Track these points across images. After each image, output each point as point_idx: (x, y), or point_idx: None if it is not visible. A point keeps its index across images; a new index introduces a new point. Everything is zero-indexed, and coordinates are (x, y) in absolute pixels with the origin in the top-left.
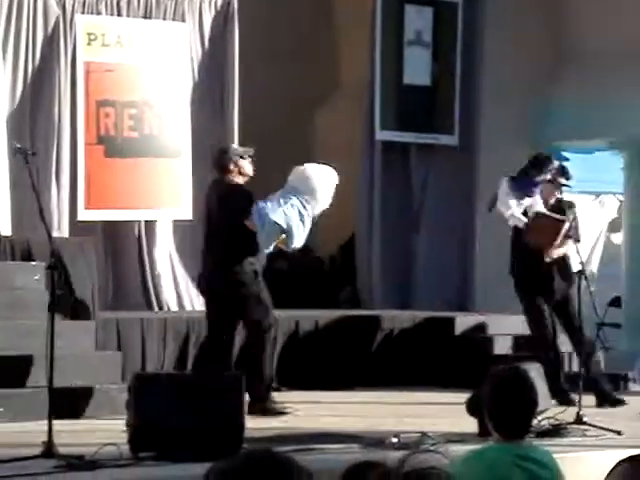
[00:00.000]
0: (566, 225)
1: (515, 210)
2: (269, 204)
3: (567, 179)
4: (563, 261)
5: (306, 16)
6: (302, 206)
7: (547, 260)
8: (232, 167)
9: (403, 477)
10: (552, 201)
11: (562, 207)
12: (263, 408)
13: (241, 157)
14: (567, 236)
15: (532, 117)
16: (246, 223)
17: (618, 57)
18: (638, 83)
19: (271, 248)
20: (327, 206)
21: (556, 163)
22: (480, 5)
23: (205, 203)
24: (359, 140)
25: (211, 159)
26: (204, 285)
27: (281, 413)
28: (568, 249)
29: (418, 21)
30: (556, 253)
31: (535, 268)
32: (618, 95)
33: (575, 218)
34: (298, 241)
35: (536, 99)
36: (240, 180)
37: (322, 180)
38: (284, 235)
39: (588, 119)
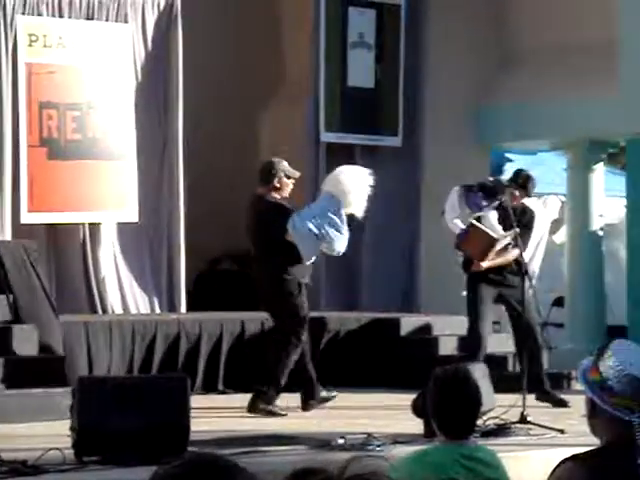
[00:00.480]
0: (502, 242)
1: (451, 217)
2: (301, 215)
3: (528, 195)
4: (516, 262)
5: (250, 17)
6: (334, 212)
7: (475, 270)
8: (276, 184)
9: None
10: (515, 202)
11: (521, 212)
12: (268, 410)
13: (287, 176)
14: (515, 245)
15: (475, 118)
16: (287, 238)
17: (560, 56)
18: (581, 83)
19: (313, 258)
20: (363, 206)
21: (520, 178)
22: (422, 7)
23: (245, 218)
24: (304, 141)
25: (259, 171)
26: (261, 298)
27: (279, 414)
28: (510, 258)
29: (361, 23)
30: (488, 265)
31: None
32: (561, 96)
33: (528, 226)
34: (339, 245)
35: (479, 100)
36: (278, 196)
37: (353, 182)
38: (324, 243)
39: (531, 120)
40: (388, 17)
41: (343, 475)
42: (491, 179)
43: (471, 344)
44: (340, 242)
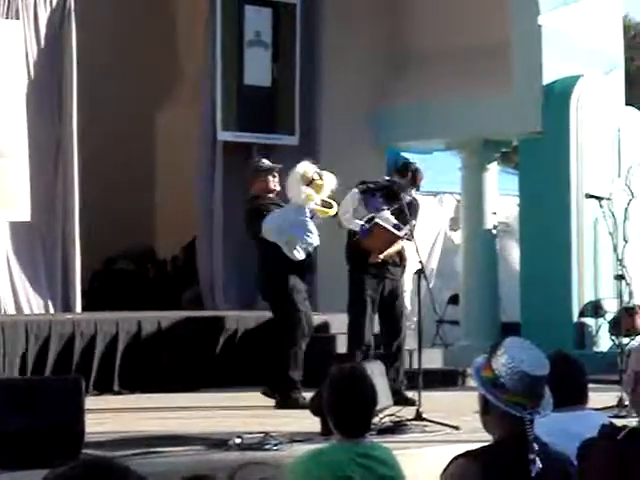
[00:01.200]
0: (401, 241)
1: (349, 216)
2: (271, 215)
3: (417, 188)
4: (397, 254)
5: (146, 14)
6: (297, 207)
7: (372, 261)
8: (258, 184)
9: None
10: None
11: (408, 205)
12: (291, 403)
13: (267, 173)
14: (409, 238)
15: (372, 118)
16: (265, 237)
17: (454, 58)
18: (475, 84)
19: (298, 255)
20: (325, 196)
21: (413, 167)
22: (318, 7)
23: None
24: (200, 140)
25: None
26: (263, 297)
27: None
28: (399, 248)
29: (258, 21)
30: (382, 256)
31: (367, 259)
32: (455, 96)
33: (414, 221)
34: (309, 239)
35: (376, 101)
36: (266, 195)
37: (295, 175)
38: (308, 238)
39: (426, 120)
40: (284, 16)
41: None
42: (387, 179)
43: (353, 342)
44: (309, 237)
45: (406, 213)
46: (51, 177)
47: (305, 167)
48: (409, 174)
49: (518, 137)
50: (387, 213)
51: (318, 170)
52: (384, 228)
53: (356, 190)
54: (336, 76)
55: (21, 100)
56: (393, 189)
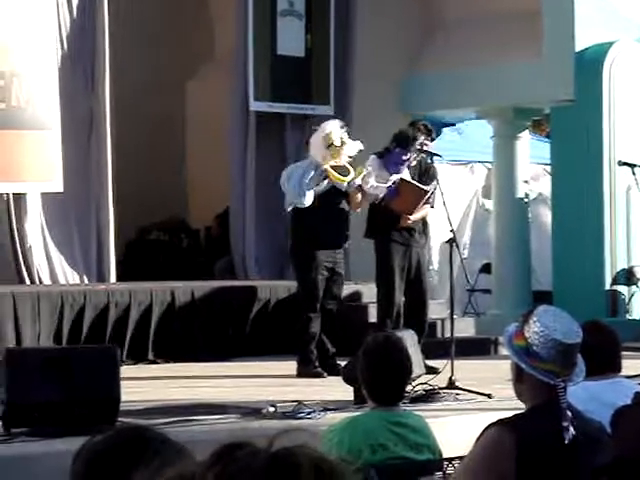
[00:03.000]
0: (428, 194)
1: (372, 181)
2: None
3: (432, 139)
4: (422, 222)
5: None
6: (308, 163)
7: (403, 225)
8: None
9: (271, 457)
10: (414, 163)
11: (424, 169)
12: (305, 372)
13: (328, 145)
14: (425, 202)
15: (402, 86)
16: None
17: (485, 25)
18: (505, 52)
19: (305, 200)
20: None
21: (421, 126)
22: None
23: None
24: (233, 111)
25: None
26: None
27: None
28: (425, 214)
29: None
30: (413, 218)
31: (393, 225)
32: (485, 64)
33: (435, 184)
34: (297, 198)
35: (406, 68)
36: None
37: (320, 133)
38: (298, 195)
39: (456, 88)
40: None
41: (271, 448)
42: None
43: (384, 311)
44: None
45: (423, 170)
46: (84, 148)
47: (331, 128)
48: (420, 128)
49: (550, 105)
50: (406, 174)
51: (343, 135)
52: (410, 183)
53: (373, 156)
54: (367, 44)
55: (54, 72)
56: (404, 134)
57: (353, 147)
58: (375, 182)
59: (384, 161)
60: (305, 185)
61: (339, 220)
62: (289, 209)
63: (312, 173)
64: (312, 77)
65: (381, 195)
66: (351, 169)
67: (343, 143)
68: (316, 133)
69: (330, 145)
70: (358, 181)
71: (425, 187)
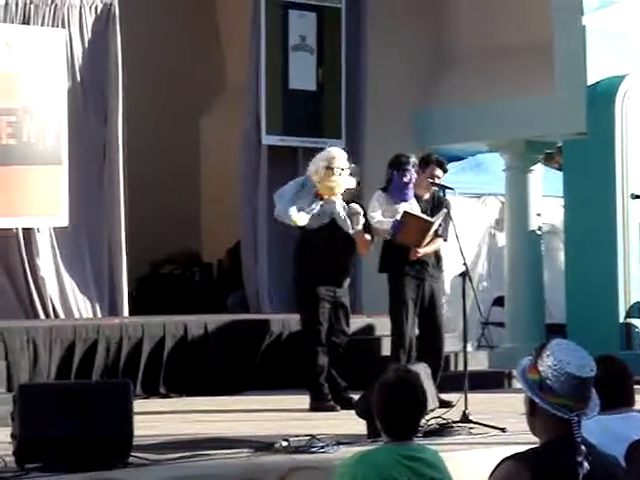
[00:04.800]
0: (435, 225)
1: (378, 217)
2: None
3: (444, 171)
4: (435, 256)
5: (191, 20)
6: (299, 180)
7: (413, 258)
8: (311, 175)
9: None
10: (426, 197)
11: (437, 203)
12: (318, 406)
13: (327, 167)
14: (436, 235)
15: (415, 120)
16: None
17: (497, 58)
18: (517, 85)
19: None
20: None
21: (433, 157)
22: (362, 10)
23: None
24: (245, 144)
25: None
26: None
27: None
28: (438, 247)
29: (302, 26)
30: (422, 252)
31: (406, 259)
32: (498, 97)
33: (447, 216)
34: (285, 213)
35: (418, 101)
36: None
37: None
38: (286, 210)
39: (469, 121)
40: (329, 20)
41: None
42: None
43: (397, 345)
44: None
45: (438, 199)
46: (97, 181)
47: (338, 154)
48: (433, 159)
49: (562, 138)
50: (416, 207)
51: (344, 165)
52: (414, 215)
53: (378, 191)
54: (380, 78)
55: (63, 108)
56: (395, 157)
57: (348, 181)
58: (381, 217)
59: (389, 192)
60: (291, 200)
61: (340, 258)
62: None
63: (303, 188)
64: (324, 111)
65: (387, 228)
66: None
67: (342, 171)
68: (321, 153)
69: (330, 167)
70: (360, 226)
71: (430, 218)
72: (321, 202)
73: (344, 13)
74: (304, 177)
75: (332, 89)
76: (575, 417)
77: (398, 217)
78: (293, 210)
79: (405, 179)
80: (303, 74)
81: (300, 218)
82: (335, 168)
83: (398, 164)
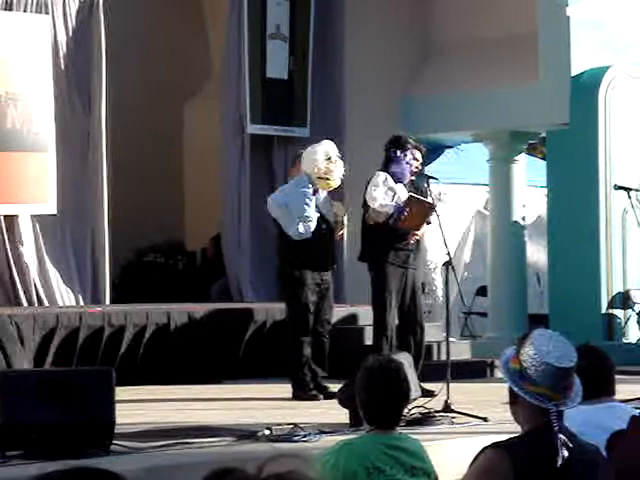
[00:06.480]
0: (434, 208)
1: (381, 200)
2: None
3: (423, 156)
4: (417, 242)
5: (176, 6)
6: (298, 179)
7: (412, 241)
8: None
9: None
10: (405, 182)
11: (418, 190)
12: (300, 395)
13: (327, 158)
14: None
15: (398, 109)
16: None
17: (481, 48)
18: (501, 75)
19: (300, 229)
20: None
21: (411, 140)
22: None
23: None
24: (230, 133)
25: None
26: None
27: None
28: (424, 231)
29: (278, 14)
30: (420, 234)
31: (389, 247)
32: (481, 87)
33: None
34: (306, 212)
35: (401, 91)
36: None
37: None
38: (307, 208)
39: (452, 111)
40: (300, 8)
41: (261, 474)
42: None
43: (379, 334)
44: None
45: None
46: (80, 169)
47: (329, 147)
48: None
49: (546, 129)
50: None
51: (338, 152)
52: (419, 199)
53: (381, 173)
54: (364, 67)
55: (48, 94)
56: (397, 136)
57: (342, 168)
58: (384, 200)
59: (389, 172)
60: (308, 202)
61: (325, 242)
62: (291, 234)
63: (311, 192)
64: (293, 99)
65: (390, 212)
66: (337, 204)
67: (336, 161)
68: (312, 147)
69: (329, 158)
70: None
71: (431, 202)
72: (314, 197)
73: (313, 1)
74: (298, 178)
75: (301, 77)
76: (553, 407)
77: (397, 201)
78: (301, 227)
79: (407, 158)
80: (278, 63)
81: (306, 231)
82: (332, 157)
83: (402, 143)
